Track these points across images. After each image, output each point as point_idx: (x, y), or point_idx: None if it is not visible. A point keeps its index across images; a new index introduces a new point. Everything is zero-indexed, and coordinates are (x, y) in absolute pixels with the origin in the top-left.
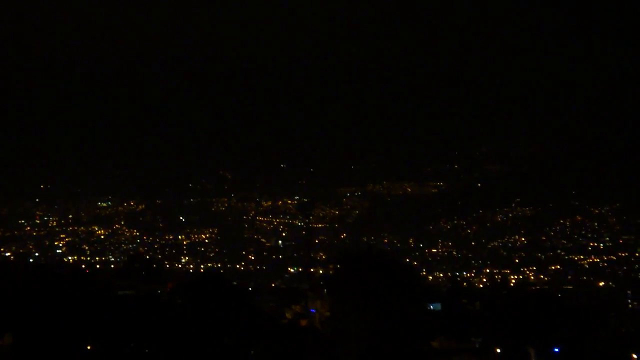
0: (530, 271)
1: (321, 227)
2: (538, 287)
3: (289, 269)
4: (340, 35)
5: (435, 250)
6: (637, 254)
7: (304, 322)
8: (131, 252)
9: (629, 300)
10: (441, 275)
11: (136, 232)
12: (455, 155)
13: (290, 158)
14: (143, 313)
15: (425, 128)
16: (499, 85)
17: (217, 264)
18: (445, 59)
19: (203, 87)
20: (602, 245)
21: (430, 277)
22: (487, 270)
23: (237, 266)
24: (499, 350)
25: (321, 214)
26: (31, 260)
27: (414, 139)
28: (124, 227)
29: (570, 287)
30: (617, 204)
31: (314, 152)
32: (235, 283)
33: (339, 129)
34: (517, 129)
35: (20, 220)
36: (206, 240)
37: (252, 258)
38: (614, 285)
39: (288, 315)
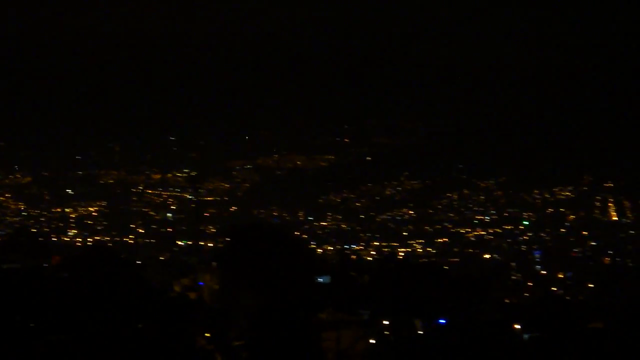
0: (418, 244)
1: (211, 200)
2: (425, 260)
3: (178, 242)
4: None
5: (324, 224)
6: (521, 227)
7: (193, 295)
8: (17, 226)
9: (513, 272)
10: (330, 248)
11: (22, 205)
12: (345, 128)
13: (179, 130)
14: (28, 287)
15: (315, 101)
16: (389, 59)
17: (105, 237)
18: (335, 33)
19: (90, 56)
20: (487, 218)
21: (320, 250)
22: (376, 243)
23: (125, 239)
24: (386, 322)
25: (211, 187)
26: None
27: (304, 112)
28: (9, 200)
29: (457, 260)
30: (503, 178)
31: (203, 125)
32: (123, 256)
33: (228, 101)
34: (406, 103)
35: None
36: (94, 213)
37: (141, 231)
38: (499, 258)
39: (177, 288)
